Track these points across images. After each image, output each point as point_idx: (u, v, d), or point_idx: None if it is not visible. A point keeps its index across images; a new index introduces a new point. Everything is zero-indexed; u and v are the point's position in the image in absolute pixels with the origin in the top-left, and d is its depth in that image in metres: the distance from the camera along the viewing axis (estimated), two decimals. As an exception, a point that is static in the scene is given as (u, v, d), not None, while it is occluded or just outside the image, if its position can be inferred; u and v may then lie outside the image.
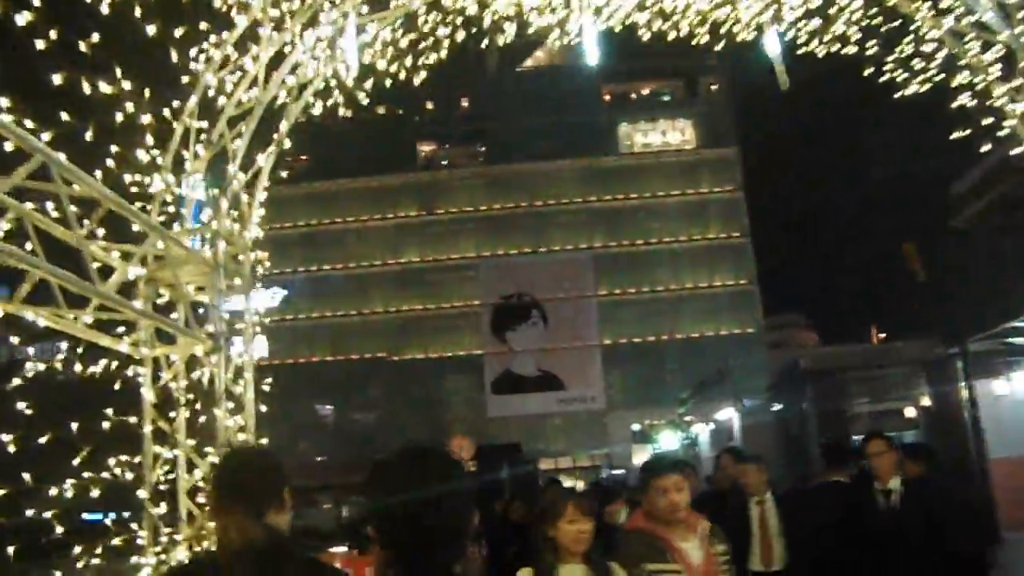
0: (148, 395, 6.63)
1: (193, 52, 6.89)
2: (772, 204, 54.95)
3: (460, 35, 8.12)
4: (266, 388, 7.47)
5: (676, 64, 56.29)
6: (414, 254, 55.10)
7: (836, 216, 59.71)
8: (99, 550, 6.29)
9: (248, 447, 3.59)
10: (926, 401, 20.07)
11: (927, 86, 7.60)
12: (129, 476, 6.39)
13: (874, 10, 7.50)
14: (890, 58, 7.67)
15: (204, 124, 7.05)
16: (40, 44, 5.29)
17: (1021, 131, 7.07)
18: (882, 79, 7.82)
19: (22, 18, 5.17)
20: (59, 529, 6.16)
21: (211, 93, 7.03)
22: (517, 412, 52.29)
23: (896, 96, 7.82)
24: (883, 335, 46.03)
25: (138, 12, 6.03)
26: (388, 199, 55.85)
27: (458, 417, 50.75)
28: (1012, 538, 11.33)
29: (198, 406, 6.60)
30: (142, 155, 6.49)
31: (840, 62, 8.01)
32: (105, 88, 5.93)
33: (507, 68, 58.94)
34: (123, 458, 6.41)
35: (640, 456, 50.88)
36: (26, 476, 5.97)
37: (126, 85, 6.08)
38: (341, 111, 8.02)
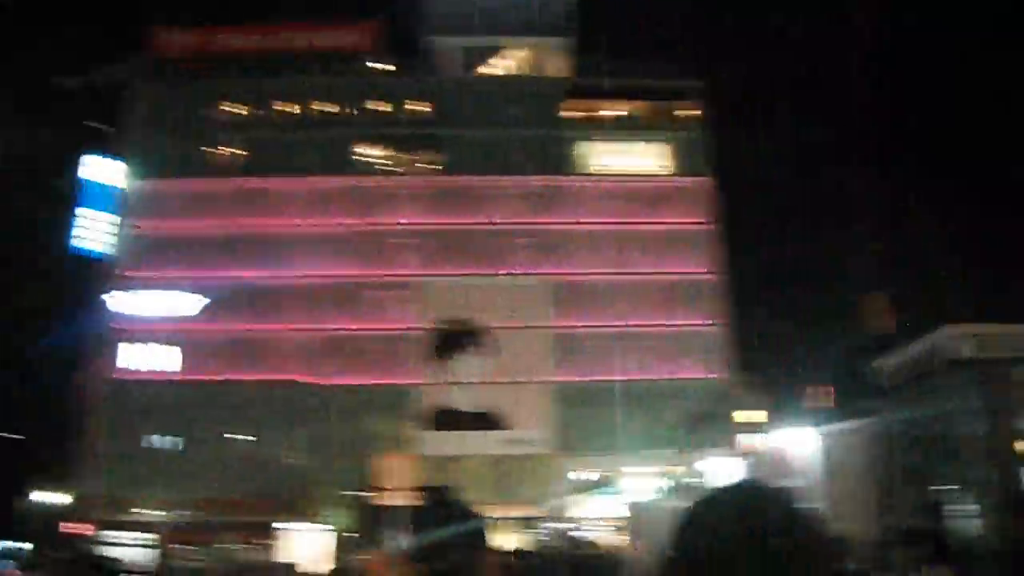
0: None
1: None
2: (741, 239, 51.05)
3: None
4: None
5: (648, 85, 52.71)
6: (348, 267, 49.01)
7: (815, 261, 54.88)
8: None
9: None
10: None
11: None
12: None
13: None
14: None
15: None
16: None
17: None
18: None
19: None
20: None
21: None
22: (454, 452, 46.33)
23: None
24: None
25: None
26: (323, 203, 49.80)
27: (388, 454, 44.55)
28: None
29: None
30: None
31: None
32: None
33: (468, 73, 54.22)
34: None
35: (592, 506, 45.57)
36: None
37: None
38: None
